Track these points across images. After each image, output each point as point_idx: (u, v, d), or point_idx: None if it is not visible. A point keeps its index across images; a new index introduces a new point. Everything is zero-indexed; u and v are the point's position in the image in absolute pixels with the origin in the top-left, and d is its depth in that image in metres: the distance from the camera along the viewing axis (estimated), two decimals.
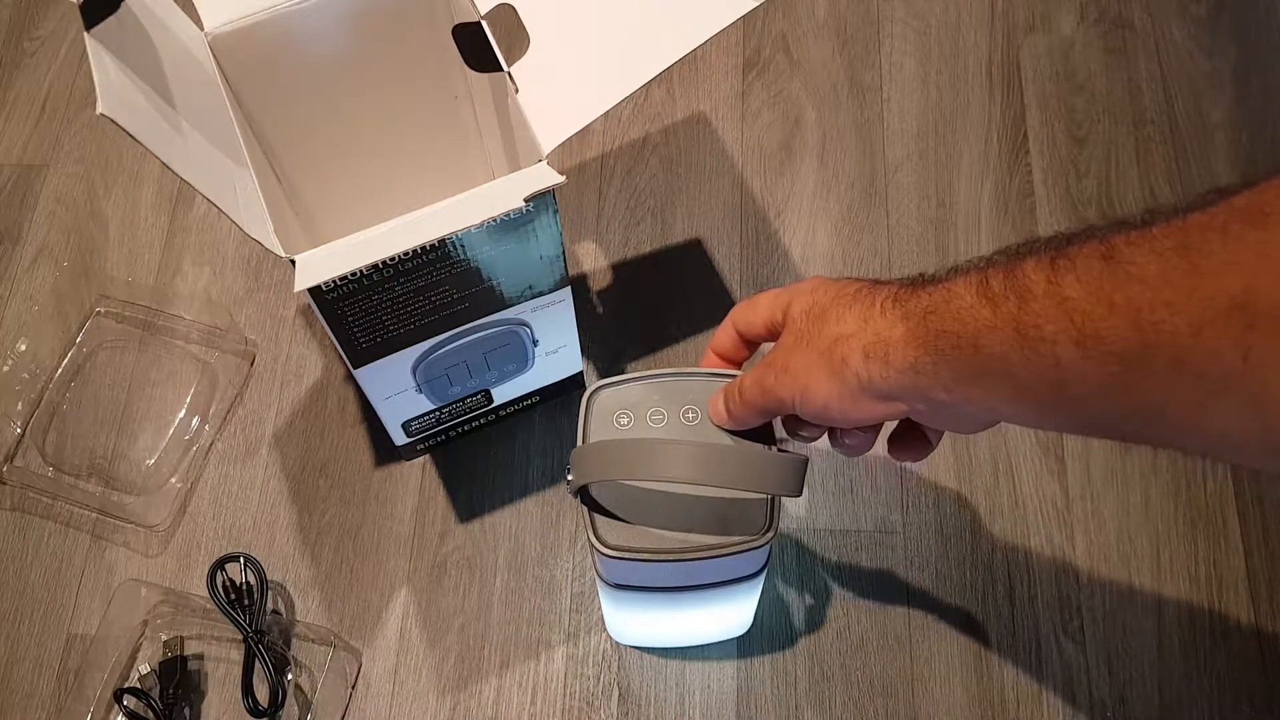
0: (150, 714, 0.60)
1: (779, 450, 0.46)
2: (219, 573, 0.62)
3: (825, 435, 0.45)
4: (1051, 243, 0.33)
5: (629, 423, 0.47)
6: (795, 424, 0.45)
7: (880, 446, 0.46)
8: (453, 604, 0.65)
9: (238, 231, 0.56)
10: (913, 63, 0.81)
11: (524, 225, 0.51)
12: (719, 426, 0.46)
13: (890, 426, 0.45)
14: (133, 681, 0.62)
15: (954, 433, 0.45)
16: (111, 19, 0.45)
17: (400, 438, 0.65)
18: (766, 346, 0.46)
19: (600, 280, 0.74)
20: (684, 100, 0.81)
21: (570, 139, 0.49)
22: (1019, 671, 0.61)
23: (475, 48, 0.56)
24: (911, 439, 0.45)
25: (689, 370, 0.48)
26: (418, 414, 0.63)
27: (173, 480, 0.68)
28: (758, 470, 0.43)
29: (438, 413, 0.64)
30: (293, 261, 0.46)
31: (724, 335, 0.48)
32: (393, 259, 0.48)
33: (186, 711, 0.62)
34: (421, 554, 0.66)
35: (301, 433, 0.70)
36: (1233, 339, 0.26)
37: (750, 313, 0.46)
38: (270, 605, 0.64)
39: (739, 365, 0.49)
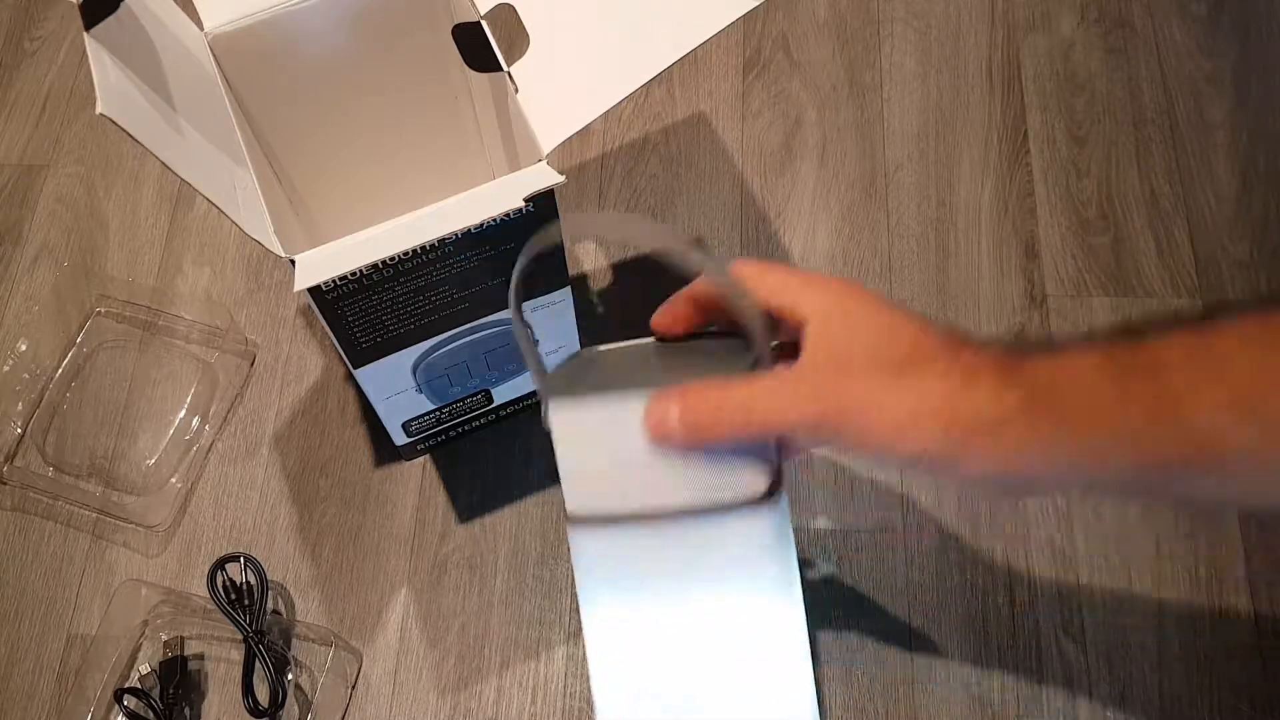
0: (150, 714, 0.60)
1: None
2: (219, 573, 0.62)
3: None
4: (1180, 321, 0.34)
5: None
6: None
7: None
8: (453, 604, 0.65)
9: (238, 231, 0.56)
10: (913, 63, 0.81)
11: (524, 225, 0.51)
12: (654, 441, 0.37)
13: None
14: (133, 681, 0.62)
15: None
16: (111, 19, 0.45)
17: (400, 438, 0.65)
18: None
19: (600, 280, 0.74)
20: (684, 100, 0.81)
21: (570, 139, 0.49)
22: (1019, 671, 0.61)
23: (475, 48, 0.56)
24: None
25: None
26: (418, 414, 0.63)
27: (173, 480, 0.68)
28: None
29: (438, 413, 0.64)
30: (293, 261, 0.46)
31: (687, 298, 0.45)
32: (393, 259, 0.47)
33: (186, 711, 0.62)
34: (421, 554, 0.66)
35: (301, 433, 0.70)
36: None
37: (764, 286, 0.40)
38: (270, 605, 0.64)
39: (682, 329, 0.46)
